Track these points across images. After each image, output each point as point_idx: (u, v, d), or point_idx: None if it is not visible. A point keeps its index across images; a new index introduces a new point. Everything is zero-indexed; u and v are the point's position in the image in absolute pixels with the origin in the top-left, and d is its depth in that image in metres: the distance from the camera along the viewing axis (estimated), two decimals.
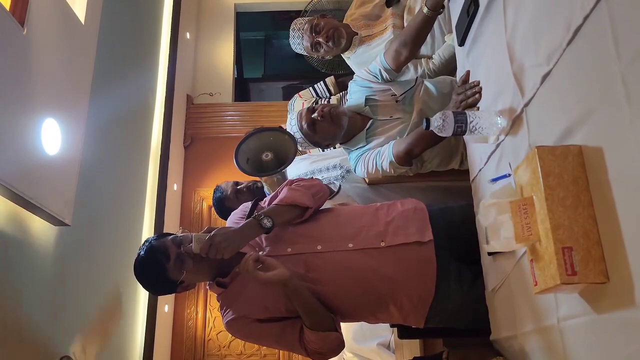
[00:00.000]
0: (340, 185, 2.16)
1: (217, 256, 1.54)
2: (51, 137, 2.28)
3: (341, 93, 2.76)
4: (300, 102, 2.88)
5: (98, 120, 2.83)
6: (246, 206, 1.87)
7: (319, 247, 1.64)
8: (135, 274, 1.63)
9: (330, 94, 2.86)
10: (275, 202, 1.71)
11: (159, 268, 1.58)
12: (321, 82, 2.91)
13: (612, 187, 0.87)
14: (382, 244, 1.62)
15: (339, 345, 1.65)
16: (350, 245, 1.63)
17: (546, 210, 0.95)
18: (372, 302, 1.65)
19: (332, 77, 2.92)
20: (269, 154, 2.13)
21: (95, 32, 2.77)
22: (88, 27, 2.68)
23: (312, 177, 2.16)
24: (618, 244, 0.85)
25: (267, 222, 1.60)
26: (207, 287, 1.76)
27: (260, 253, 1.66)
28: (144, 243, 1.65)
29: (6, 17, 2.03)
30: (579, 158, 0.95)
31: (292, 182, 1.81)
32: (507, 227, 1.07)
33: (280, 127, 2.31)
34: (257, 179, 2.50)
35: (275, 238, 1.67)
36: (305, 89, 2.98)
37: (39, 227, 2.33)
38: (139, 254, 1.62)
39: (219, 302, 1.72)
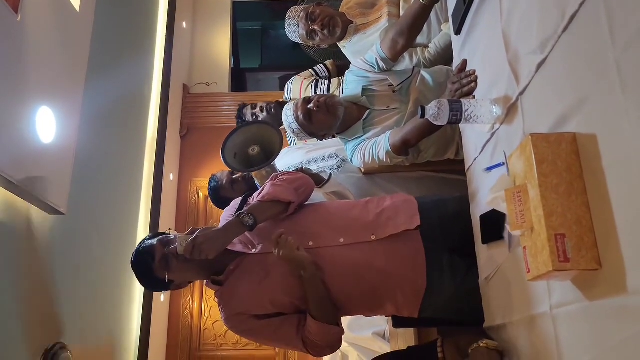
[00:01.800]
0: (330, 174, 2.16)
1: (201, 257, 1.55)
2: (46, 125, 2.26)
3: (340, 78, 2.75)
4: (300, 80, 2.87)
5: (93, 109, 2.81)
6: (237, 202, 1.87)
7: (310, 244, 1.64)
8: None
9: (330, 75, 2.86)
10: (257, 198, 1.71)
11: (146, 268, 1.64)
12: (321, 64, 2.92)
13: (605, 175, 0.87)
14: (373, 237, 1.63)
15: (338, 341, 1.68)
16: (342, 240, 1.63)
17: (539, 198, 0.95)
18: (366, 297, 1.65)
19: (331, 60, 2.92)
20: (255, 147, 2.15)
21: (90, 20, 2.75)
22: (83, 14, 2.65)
23: (302, 167, 2.16)
24: (611, 231, 0.85)
25: (249, 220, 1.60)
26: (205, 284, 1.77)
27: (253, 251, 1.67)
28: (139, 243, 1.72)
29: None
30: (573, 145, 0.95)
31: (276, 176, 1.80)
32: None
33: (263, 120, 2.32)
34: None
35: (267, 235, 1.66)
36: None
37: (34, 216, 2.32)
38: (132, 254, 1.69)
39: (216, 298, 1.73)
